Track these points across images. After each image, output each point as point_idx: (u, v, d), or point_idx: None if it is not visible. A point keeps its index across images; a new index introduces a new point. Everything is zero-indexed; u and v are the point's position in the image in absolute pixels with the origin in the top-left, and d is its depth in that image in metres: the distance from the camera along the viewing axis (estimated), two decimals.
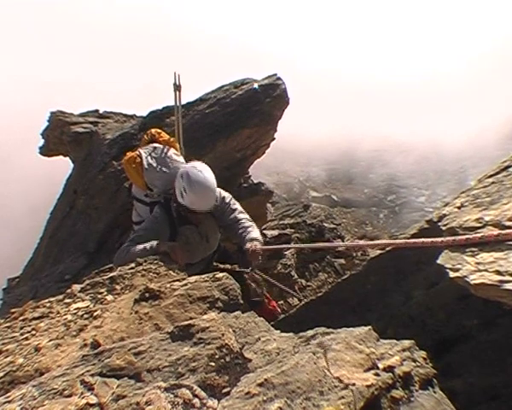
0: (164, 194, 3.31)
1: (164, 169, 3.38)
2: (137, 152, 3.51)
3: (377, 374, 1.37)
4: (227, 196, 3.51)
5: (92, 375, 1.33)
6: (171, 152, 3.54)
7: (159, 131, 3.70)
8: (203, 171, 3.08)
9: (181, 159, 3.59)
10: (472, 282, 1.35)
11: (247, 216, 3.53)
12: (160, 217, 3.18)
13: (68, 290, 2.77)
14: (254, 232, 3.38)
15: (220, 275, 2.58)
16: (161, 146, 3.55)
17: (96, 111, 6.57)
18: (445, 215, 1.92)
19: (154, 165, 3.38)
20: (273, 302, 4.03)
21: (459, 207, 1.89)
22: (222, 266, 3.63)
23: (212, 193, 3.10)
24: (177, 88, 4.40)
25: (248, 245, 3.24)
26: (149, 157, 3.42)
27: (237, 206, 3.53)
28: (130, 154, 3.56)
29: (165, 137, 3.68)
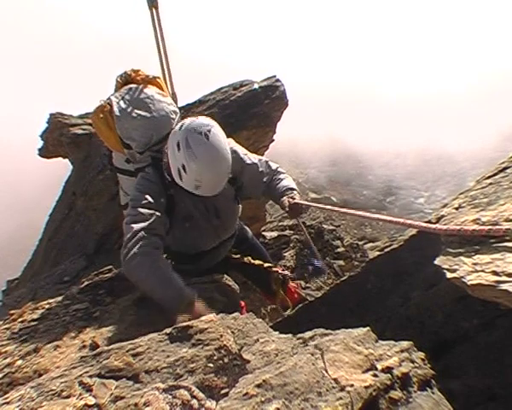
0: (149, 152, 2.53)
1: (142, 113, 2.52)
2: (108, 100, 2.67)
3: (375, 375, 1.38)
4: (242, 155, 2.66)
5: (90, 376, 1.33)
6: (153, 91, 2.66)
7: (136, 69, 2.80)
8: (211, 136, 2.13)
9: (167, 99, 2.72)
10: (469, 282, 1.36)
11: (273, 165, 2.80)
12: (153, 178, 2.38)
13: (67, 292, 2.77)
14: (286, 180, 2.73)
15: (219, 277, 2.58)
16: (139, 86, 2.67)
17: None
18: (443, 216, 1.92)
19: (129, 110, 2.53)
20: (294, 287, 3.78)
21: (457, 209, 1.90)
22: (247, 259, 2.97)
23: (225, 171, 2.25)
24: (153, 4, 3.42)
25: (285, 199, 2.58)
26: (122, 101, 2.57)
27: (256, 161, 2.71)
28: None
29: (144, 74, 2.79)
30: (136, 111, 2.52)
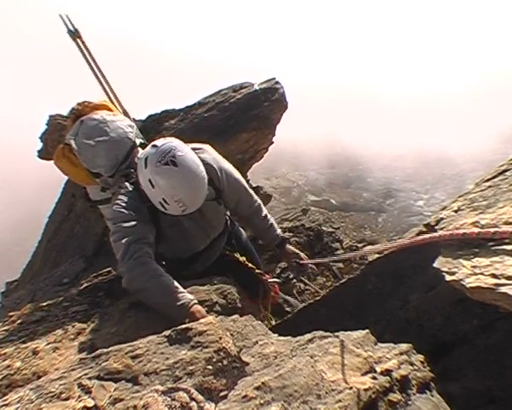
0: (119, 173, 2.54)
1: (101, 139, 2.53)
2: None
3: (375, 378, 1.38)
4: (230, 174, 2.65)
5: (90, 378, 1.33)
6: (104, 114, 2.68)
7: (82, 101, 2.79)
8: (178, 160, 2.12)
9: (119, 116, 2.78)
10: (468, 285, 1.36)
11: (261, 205, 2.89)
12: (130, 193, 2.35)
13: (66, 294, 2.77)
14: (274, 225, 2.93)
15: (218, 279, 2.58)
16: (89, 115, 2.68)
17: None
18: (442, 219, 1.93)
19: (87, 141, 2.54)
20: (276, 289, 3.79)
21: (456, 211, 1.90)
22: (242, 259, 2.98)
23: (204, 182, 2.23)
24: (74, 35, 3.43)
25: (293, 261, 2.92)
26: (78, 136, 2.58)
27: (247, 191, 2.79)
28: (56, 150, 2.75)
29: (92, 103, 2.80)
30: (93, 139, 2.54)
